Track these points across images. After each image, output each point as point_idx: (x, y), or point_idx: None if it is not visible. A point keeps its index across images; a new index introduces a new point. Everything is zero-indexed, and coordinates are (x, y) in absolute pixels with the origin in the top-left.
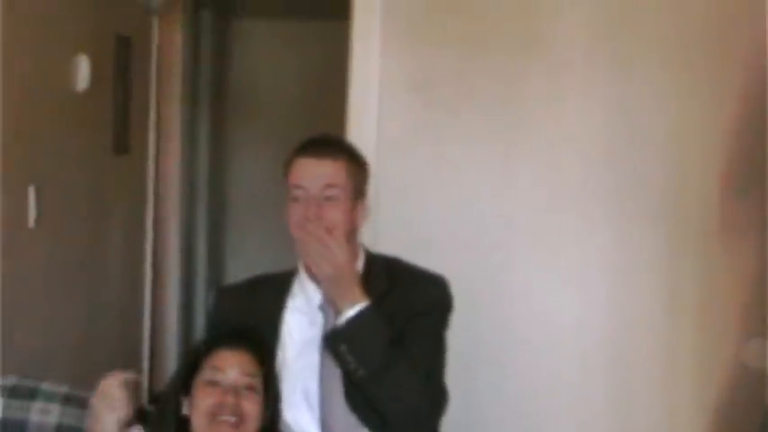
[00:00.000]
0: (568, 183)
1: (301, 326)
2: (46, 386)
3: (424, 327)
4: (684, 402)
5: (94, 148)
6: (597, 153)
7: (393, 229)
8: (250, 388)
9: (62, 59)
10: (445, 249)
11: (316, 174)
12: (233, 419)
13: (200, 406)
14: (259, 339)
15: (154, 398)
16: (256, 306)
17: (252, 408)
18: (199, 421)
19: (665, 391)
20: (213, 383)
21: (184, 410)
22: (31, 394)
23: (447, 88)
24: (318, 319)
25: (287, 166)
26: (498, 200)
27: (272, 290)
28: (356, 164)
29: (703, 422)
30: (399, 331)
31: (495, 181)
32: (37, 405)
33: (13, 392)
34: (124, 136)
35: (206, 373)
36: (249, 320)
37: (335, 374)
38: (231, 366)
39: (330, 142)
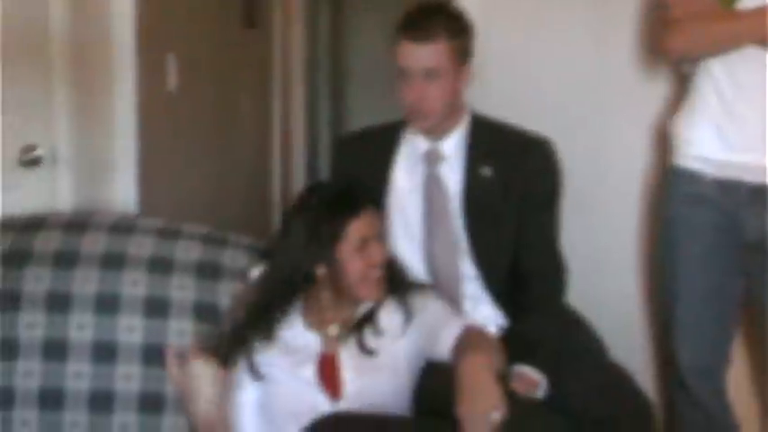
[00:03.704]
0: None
1: (407, 172)
2: (187, 228)
3: (546, 202)
4: None
5: (226, 23)
6: None
7: (498, 88)
8: (383, 238)
9: None
10: (546, 107)
11: (416, 57)
12: (380, 272)
13: (353, 269)
14: (372, 191)
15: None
16: (370, 155)
17: (388, 253)
18: (350, 281)
19: None
20: (361, 250)
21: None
22: (175, 234)
23: None
24: (421, 166)
25: (394, 40)
26: (594, 60)
27: (384, 139)
28: (457, 35)
29: None
30: (519, 202)
31: (591, 44)
32: (181, 243)
33: (160, 233)
34: (252, 12)
35: (353, 243)
36: (364, 168)
37: (438, 218)
38: (370, 227)
39: (430, 20)
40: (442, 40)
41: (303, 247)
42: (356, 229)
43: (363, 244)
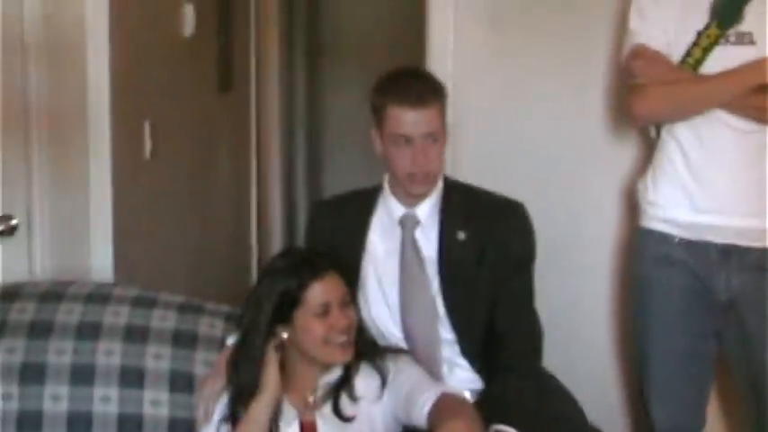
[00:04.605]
0: None
1: (382, 237)
2: (163, 296)
3: (521, 264)
4: None
5: (201, 87)
6: None
7: (469, 153)
8: (348, 304)
9: (170, 8)
10: (518, 172)
11: (417, 123)
12: (344, 338)
13: (314, 335)
14: (339, 258)
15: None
16: (346, 220)
17: (354, 319)
18: (312, 346)
19: None
20: (322, 315)
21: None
22: (151, 303)
23: (517, 22)
24: (397, 232)
25: (380, 110)
26: (567, 126)
27: (360, 204)
28: (442, 97)
29: None
30: (494, 265)
31: (563, 108)
32: (157, 312)
33: (136, 302)
34: (228, 75)
35: (313, 308)
36: (339, 234)
37: (414, 282)
38: (332, 293)
39: (420, 85)
40: (435, 103)
41: (267, 311)
42: (317, 292)
43: (325, 309)
